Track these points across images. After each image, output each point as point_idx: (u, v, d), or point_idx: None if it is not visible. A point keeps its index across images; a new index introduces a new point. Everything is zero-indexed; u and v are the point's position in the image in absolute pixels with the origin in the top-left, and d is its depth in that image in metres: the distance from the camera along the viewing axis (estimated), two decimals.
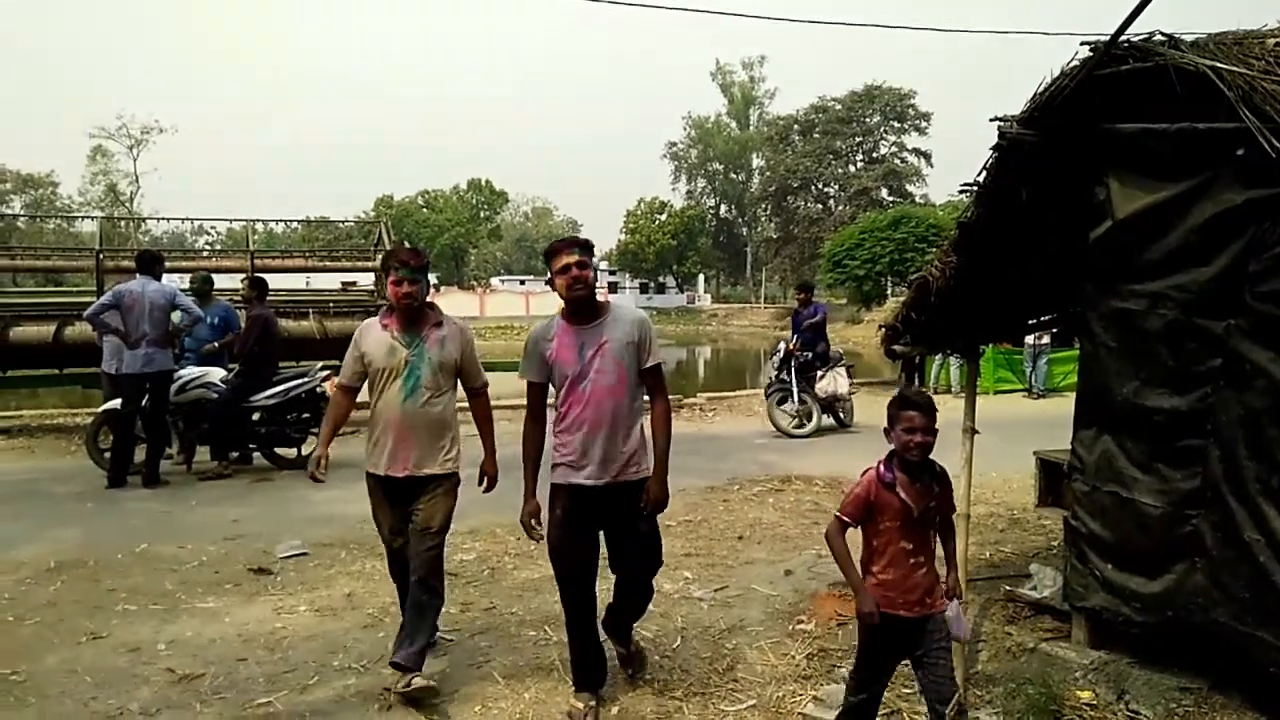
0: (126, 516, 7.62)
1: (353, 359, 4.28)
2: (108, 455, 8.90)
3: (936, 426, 3.22)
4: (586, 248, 3.83)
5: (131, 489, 8.51)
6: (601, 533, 3.92)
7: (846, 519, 3.27)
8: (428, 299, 4.28)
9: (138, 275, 8.74)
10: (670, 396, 4.35)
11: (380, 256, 3.94)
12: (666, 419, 3.91)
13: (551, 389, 3.95)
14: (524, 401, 4.04)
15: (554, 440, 3.87)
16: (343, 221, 54.60)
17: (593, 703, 3.92)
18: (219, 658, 4.62)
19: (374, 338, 4.24)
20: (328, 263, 16.76)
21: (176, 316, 8.75)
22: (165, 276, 9.59)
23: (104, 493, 8.42)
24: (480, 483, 4.37)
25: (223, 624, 5.13)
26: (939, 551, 3.40)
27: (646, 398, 3.95)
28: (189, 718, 4.01)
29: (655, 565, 4.03)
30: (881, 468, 3.27)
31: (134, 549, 6.53)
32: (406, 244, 4.52)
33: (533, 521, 3.86)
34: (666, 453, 3.85)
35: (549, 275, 3.85)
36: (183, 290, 10.20)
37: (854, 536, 3.26)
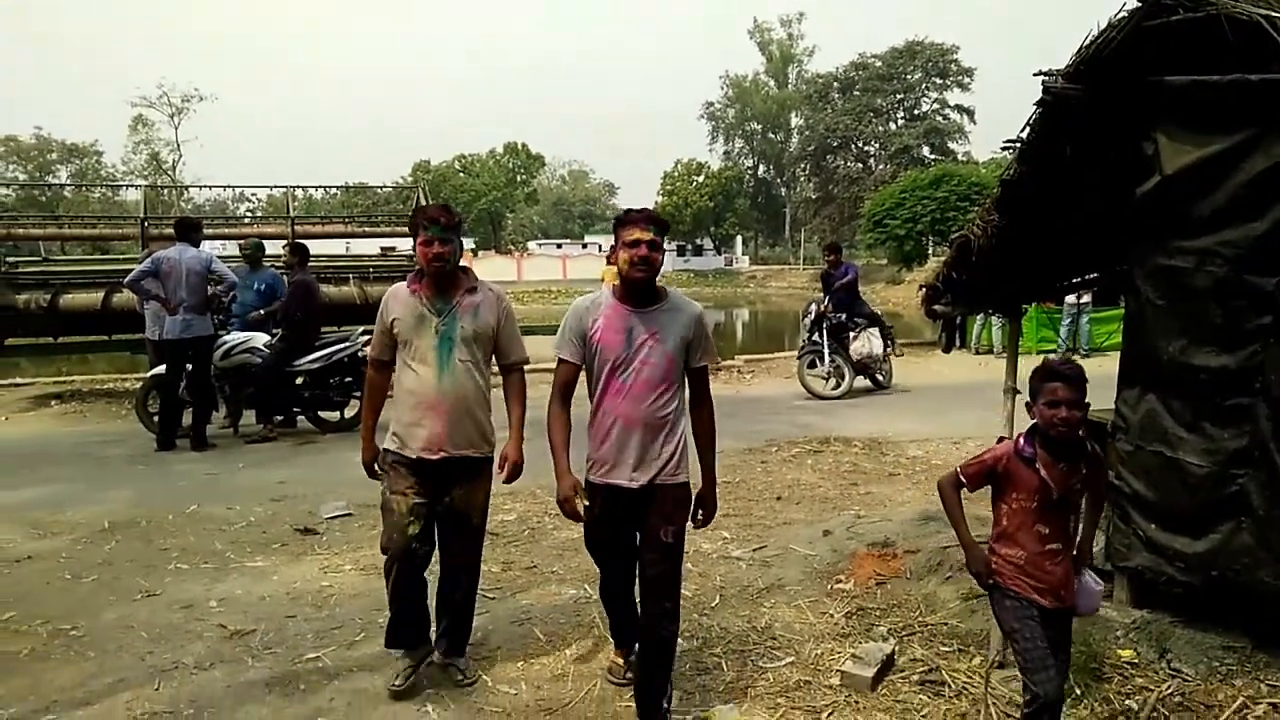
0: (176, 478, 7.80)
1: (382, 329, 3.89)
2: (156, 419, 9.10)
3: (1088, 400, 2.92)
4: (663, 227, 3.46)
5: (180, 452, 8.71)
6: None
7: (964, 479, 3.10)
8: (461, 263, 3.90)
9: (177, 242, 8.87)
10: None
11: (412, 216, 3.66)
12: (713, 425, 3.61)
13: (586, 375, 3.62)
14: None
15: (589, 431, 3.56)
16: (380, 187, 54.79)
17: (632, 658, 3.89)
18: (268, 614, 4.74)
19: (403, 304, 3.83)
20: (366, 228, 16.90)
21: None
22: (211, 244, 9.75)
23: (154, 455, 8.64)
24: (500, 468, 3.91)
25: (271, 582, 5.26)
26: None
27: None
28: (241, 671, 4.13)
29: (674, 581, 3.53)
30: (1021, 440, 3.00)
31: (184, 510, 6.70)
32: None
33: (575, 495, 3.43)
34: (713, 462, 3.64)
35: (614, 243, 3.51)
36: (222, 257, 10.36)
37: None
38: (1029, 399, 2.99)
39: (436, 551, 3.96)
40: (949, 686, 3.86)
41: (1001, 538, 3.04)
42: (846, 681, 3.91)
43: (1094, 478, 3.04)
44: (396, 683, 3.89)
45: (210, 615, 4.77)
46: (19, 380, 13.81)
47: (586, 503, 3.46)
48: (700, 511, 3.58)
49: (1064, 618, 3.00)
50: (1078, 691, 3.63)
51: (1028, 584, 2.95)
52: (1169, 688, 3.53)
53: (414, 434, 3.77)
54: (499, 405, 3.97)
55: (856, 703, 3.77)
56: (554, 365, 3.55)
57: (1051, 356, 3.26)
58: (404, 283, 3.90)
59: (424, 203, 14.41)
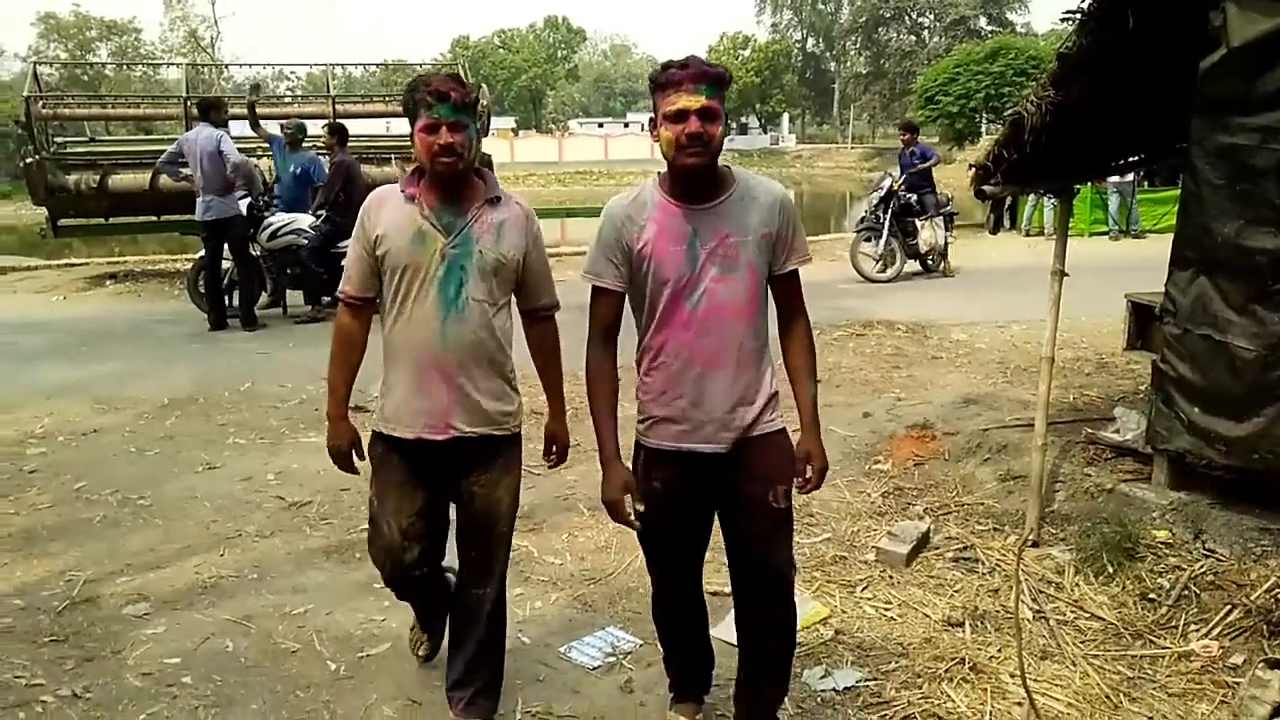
0: (230, 357, 8.03)
1: (361, 250, 2.70)
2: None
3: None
4: (718, 82, 2.37)
5: (232, 331, 8.93)
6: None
7: None
8: (476, 160, 2.71)
9: (200, 122, 8.83)
10: None
11: (407, 91, 2.61)
12: (813, 350, 2.69)
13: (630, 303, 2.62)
14: None
15: (641, 381, 2.61)
16: (420, 64, 53.83)
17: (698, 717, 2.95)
18: (324, 488, 4.93)
19: (395, 214, 2.65)
20: None
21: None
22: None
23: (207, 335, 8.87)
24: (547, 454, 3.01)
25: (324, 458, 5.42)
26: None
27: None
28: (300, 540, 4.34)
29: (787, 573, 2.67)
30: None
31: (239, 387, 6.91)
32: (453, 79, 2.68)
33: (628, 499, 2.56)
34: (816, 400, 2.66)
35: (651, 117, 2.47)
36: (270, 137, 10.36)
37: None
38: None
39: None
40: (982, 564, 3.95)
41: None
42: (881, 558, 4.01)
43: None
44: (422, 652, 3.29)
45: (268, 488, 4.98)
46: (74, 260, 14.13)
47: (640, 507, 2.56)
48: (807, 466, 2.62)
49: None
50: (1110, 570, 3.70)
51: None
52: (1202, 567, 3.59)
53: (410, 406, 2.71)
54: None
55: (891, 578, 3.88)
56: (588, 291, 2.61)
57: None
58: (389, 185, 2.77)
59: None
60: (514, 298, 2.83)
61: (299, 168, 9.72)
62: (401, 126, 2.88)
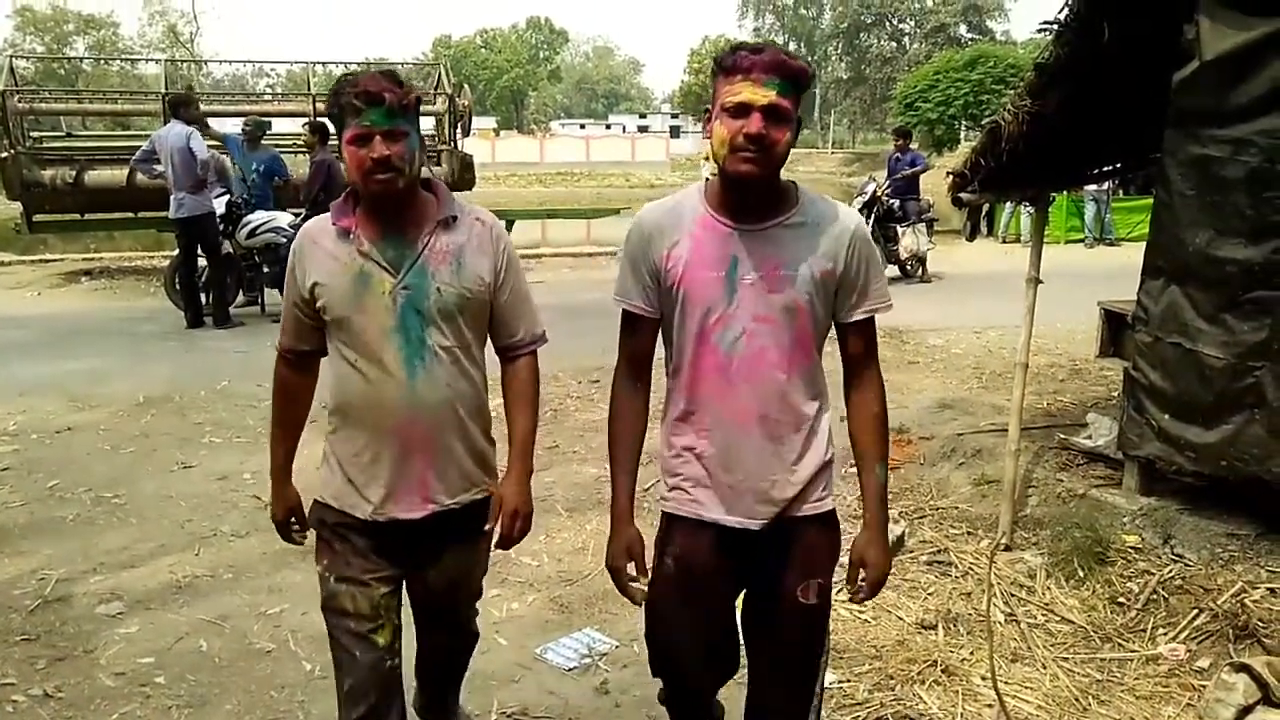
0: (207, 355, 7.97)
1: (296, 300, 2.23)
2: None
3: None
4: (794, 78, 1.89)
5: (209, 329, 8.88)
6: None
7: None
8: (424, 172, 2.20)
9: (172, 120, 8.77)
10: None
11: (331, 95, 2.13)
12: (882, 418, 2.16)
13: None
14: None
15: (666, 433, 2.17)
16: (401, 64, 53.65)
17: None
18: (300, 487, 4.90)
19: (328, 257, 2.16)
20: None
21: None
22: (233, 121, 9.68)
23: (184, 333, 8.81)
24: (491, 520, 2.33)
25: (301, 457, 5.41)
26: None
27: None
28: (275, 540, 4.26)
29: (814, 672, 2.24)
30: None
31: (215, 386, 6.86)
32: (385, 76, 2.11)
33: (630, 568, 2.16)
34: (886, 487, 2.16)
35: (706, 109, 2.00)
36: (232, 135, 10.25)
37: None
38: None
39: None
40: (956, 567, 3.99)
41: None
42: None
43: None
44: None
45: (244, 487, 4.96)
46: (49, 256, 14.00)
47: (645, 583, 2.17)
48: (861, 570, 2.15)
49: None
50: (1080, 574, 3.75)
51: None
52: (1170, 571, 3.64)
53: (374, 479, 2.23)
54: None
55: None
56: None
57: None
58: (322, 217, 2.22)
59: (445, 79, 13.39)
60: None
61: (261, 165, 9.62)
62: None
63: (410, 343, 2.14)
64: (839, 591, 2.21)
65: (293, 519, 2.51)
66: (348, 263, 2.13)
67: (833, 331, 2.12)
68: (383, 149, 2.02)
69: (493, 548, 2.44)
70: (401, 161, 2.05)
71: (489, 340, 2.33)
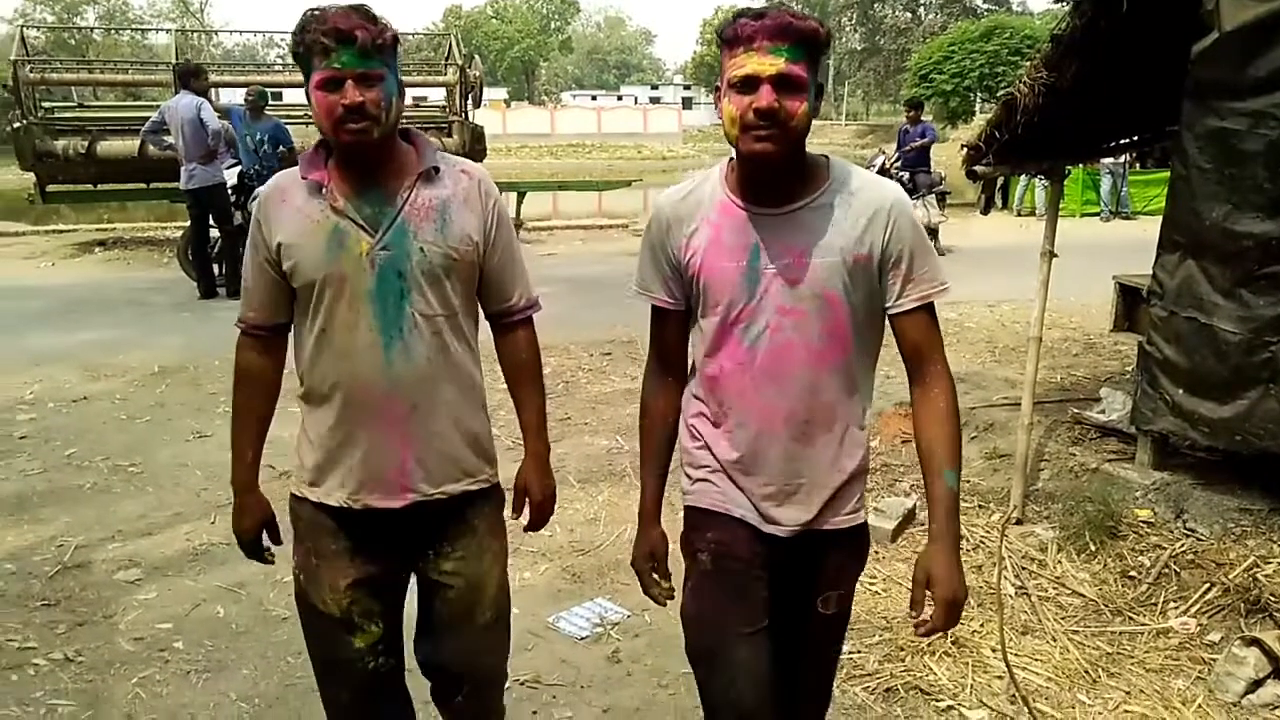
0: (220, 325, 7.97)
1: (258, 268, 2.00)
2: None
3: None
4: (805, 40, 1.68)
5: (222, 300, 8.91)
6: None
7: None
8: (402, 121, 1.95)
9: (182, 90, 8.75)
10: None
11: (294, 34, 1.84)
12: (953, 418, 1.85)
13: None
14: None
15: (687, 425, 2.00)
16: (411, 34, 53.35)
17: None
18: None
19: (298, 213, 1.92)
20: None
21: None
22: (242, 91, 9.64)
23: (197, 303, 8.86)
24: (517, 509, 2.27)
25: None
26: None
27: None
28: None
29: (828, 684, 2.16)
30: None
31: (229, 356, 6.79)
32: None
33: (651, 568, 2.04)
34: (957, 497, 1.83)
35: (716, 85, 1.79)
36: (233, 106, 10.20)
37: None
38: None
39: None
40: (967, 540, 4.00)
41: None
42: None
43: None
44: None
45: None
46: (62, 227, 14.05)
47: (669, 585, 2.04)
48: (936, 594, 1.80)
49: None
50: (1092, 548, 3.76)
51: None
52: (1182, 546, 3.64)
53: (346, 464, 1.99)
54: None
55: (877, 553, 3.92)
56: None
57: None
58: (288, 171, 2.00)
59: (456, 50, 13.17)
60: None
61: (265, 134, 9.58)
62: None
63: (388, 310, 1.91)
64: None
65: (265, 528, 2.16)
66: (320, 220, 1.89)
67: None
68: (355, 94, 1.78)
69: (522, 530, 2.31)
70: (377, 109, 1.81)
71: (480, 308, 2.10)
